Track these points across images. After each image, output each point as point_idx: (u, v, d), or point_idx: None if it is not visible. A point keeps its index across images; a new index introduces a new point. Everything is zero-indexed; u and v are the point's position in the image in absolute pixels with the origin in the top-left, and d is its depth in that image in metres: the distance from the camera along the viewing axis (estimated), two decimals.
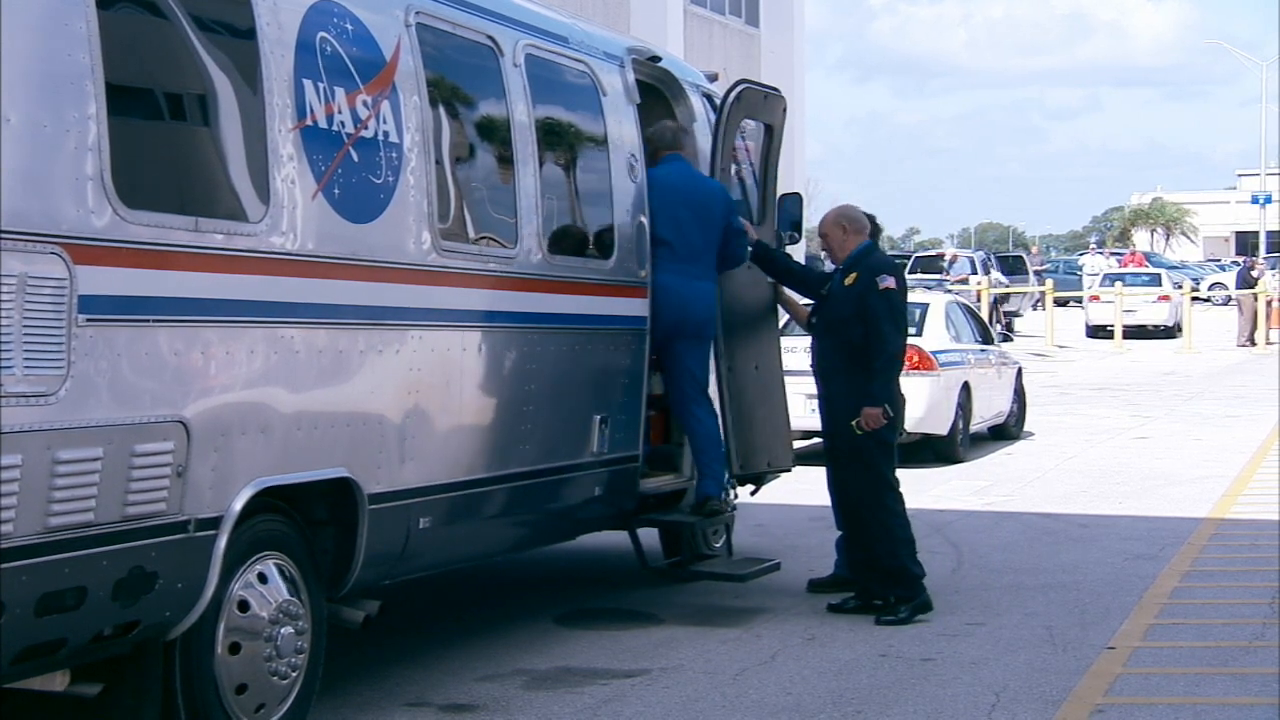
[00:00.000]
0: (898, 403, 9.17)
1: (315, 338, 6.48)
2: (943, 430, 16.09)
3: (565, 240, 8.47)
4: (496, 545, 8.39)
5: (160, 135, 5.94)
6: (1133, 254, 62.49)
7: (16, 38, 5.18)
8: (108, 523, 5.47)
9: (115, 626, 5.62)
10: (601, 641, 8.55)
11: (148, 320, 5.63)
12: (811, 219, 22.90)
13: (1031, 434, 18.96)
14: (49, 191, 5.27)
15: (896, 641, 8.47)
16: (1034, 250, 69.09)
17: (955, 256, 47.56)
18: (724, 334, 9.44)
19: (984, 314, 26.11)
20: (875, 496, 9.13)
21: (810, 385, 9.73)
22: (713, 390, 9.50)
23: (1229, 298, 48.17)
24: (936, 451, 16.22)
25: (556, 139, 8.54)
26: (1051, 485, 14.69)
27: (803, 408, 12.45)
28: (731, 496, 10.40)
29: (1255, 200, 77.37)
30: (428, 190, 7.17)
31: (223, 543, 5.98)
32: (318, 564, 6.70)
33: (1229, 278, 53.14)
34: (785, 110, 10.19)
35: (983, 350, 17.78)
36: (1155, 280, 42.09)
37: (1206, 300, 55.75)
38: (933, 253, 54.72)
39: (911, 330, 12.72)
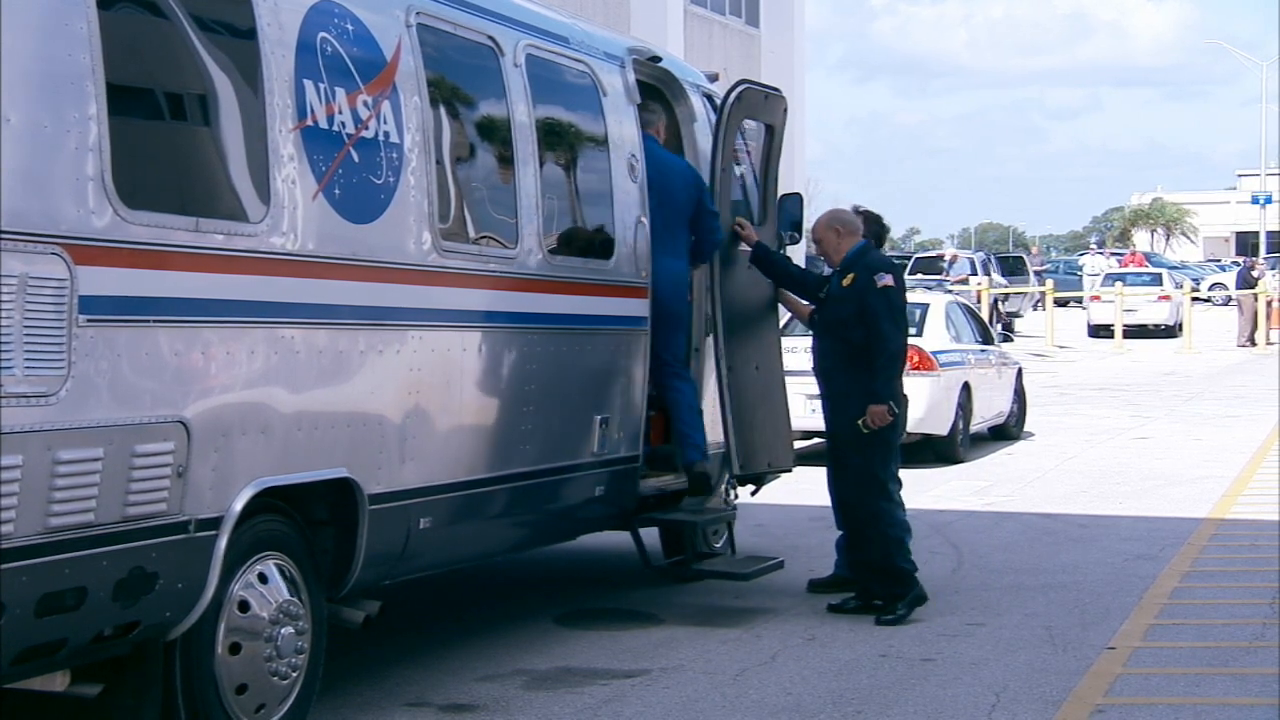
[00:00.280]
0: (901, 401, 9.18)
1: (316, 338, 6.48)
2: (943, 430, 16.10)
3: (566, 240, 8.47)
4: (497, 545, 8.39)
5: (161, 135, 5.94)
6: (1133, 254, 62.50)
7: (17, 38, 5.18)
8: (108, 523, 5.47)
9: (115, 627, 5.62)
10: (601, 641, 8.55)
11: (148, 320, 5.63)
12: (812, 219, 22.85)
13: (1032, 434, 18.96)
14: (49, 192, 5.27)
15: (897, 642, 8.47)
16: (1034, 250, 69.10)
17: (955, 257, 47.55)
18: (724, 334, 9.42)
19: (984, 314, 26.09)
20: (872, 496, 9.13)
21: (811, 385, 9.73)
22: (711, 391, 9.49)
23: (1229, 298, 48.16)
24: (937, 452, 16.22)
25: (557, 139, 8.54)
26: (1051, 485, 14.68)
27: (803, 408, 12.46)
28: (732, 496, 10.41)
29: (1255, 200, 77.40)
30: (428, 190, 7.17)
31: (223, 543, 5.98)
32: (318, 564, 6.70)
33: (1229, 278, 53.13)
34: (786, 110, 10.18)
35: (983, 350, 17.78)
36: (1156, 280, 42.14)
37: (1207, 300, 55.74)
38: (933, 253, 54.73)
39: (912, 330, 12.71)
